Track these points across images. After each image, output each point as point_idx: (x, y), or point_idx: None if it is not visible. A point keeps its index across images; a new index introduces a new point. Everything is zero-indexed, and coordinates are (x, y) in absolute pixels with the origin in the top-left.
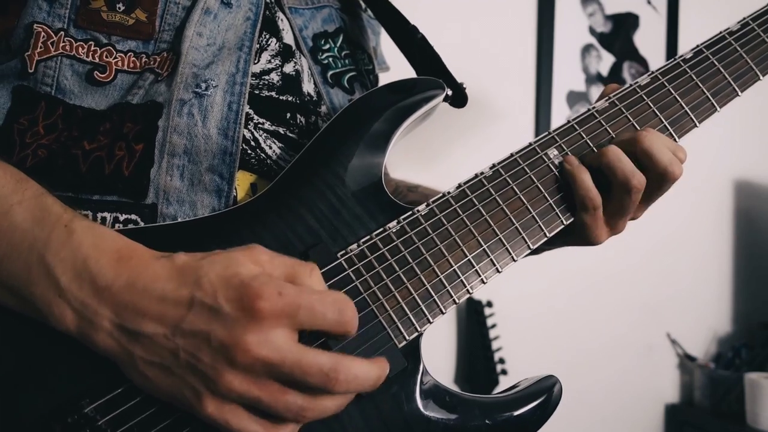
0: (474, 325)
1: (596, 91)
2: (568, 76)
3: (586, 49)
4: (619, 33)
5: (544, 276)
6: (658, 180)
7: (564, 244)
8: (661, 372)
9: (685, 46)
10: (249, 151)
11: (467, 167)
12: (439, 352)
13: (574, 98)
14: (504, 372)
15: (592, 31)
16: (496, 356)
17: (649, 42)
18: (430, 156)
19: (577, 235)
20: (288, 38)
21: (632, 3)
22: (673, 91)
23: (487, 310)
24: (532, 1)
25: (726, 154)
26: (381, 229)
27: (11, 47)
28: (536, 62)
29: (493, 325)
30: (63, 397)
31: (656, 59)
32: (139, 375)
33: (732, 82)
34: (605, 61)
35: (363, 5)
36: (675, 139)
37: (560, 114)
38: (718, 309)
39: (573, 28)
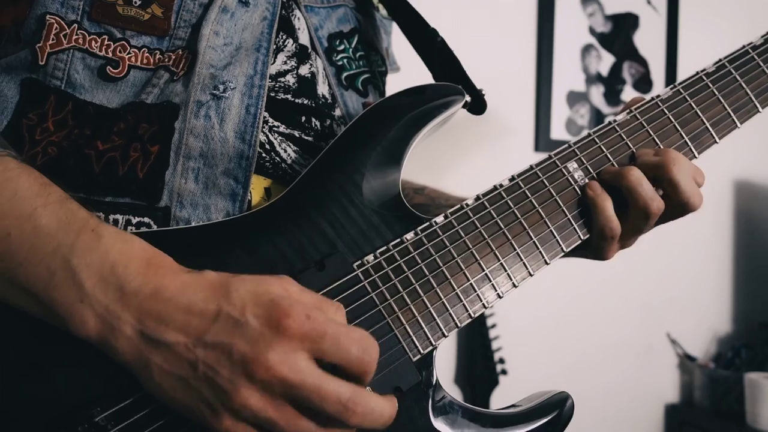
0: (474, 325)
1: (596, 91)
2: (568, 76)
3: (586, 49)
4: (619, 33)
5: (545, 276)
6: (678, 209)
7: (572, 255)
8: (661, 372)
9: (685, 46)
10: (264, 155)
11: (467, 167)
12: (439, 352)
13: (574, 98)
14: (504, 372)
15: (592, 31)
16: (496, 356)
17: (649, 42)
18: (429, 154)
19: (588, 250)
20: (303, 38)
21: (632, 3)
22: (694, 106)
23: (486, 311)
24: (532, 1)
25: (726, 154)
26: (398, 240)
27: (22, 38)
28: (536, 62)
29: (493, 325)
30: (74, 405)
31: (656, 59)
32: (155, 385)
33: (753, 98)
34: (605, 61)
35: (377, 5)
36: (695, 155)
37: (560, 114)
38: (718, 309)
39: (573, 28)
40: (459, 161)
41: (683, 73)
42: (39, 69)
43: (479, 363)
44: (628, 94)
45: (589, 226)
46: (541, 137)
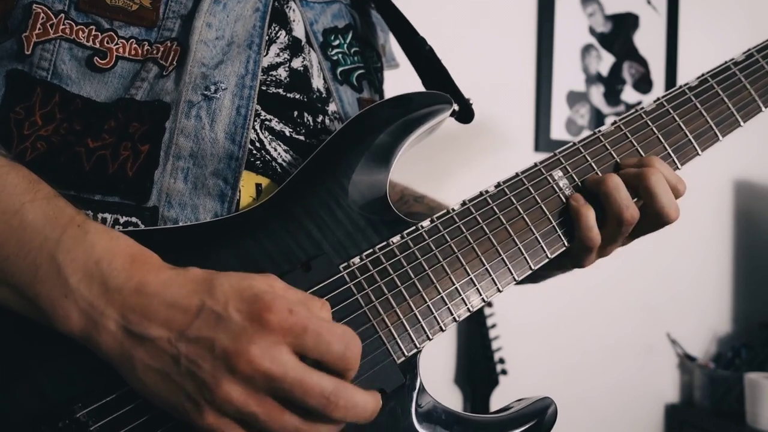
0: (474, 325)
1: (596, 91)
2: (568, 76)
3: (586, 49)
4: (619, 33)
5: None
6: (653, 219)
7: (555, 268)
8: (661, 372)
9: (684, 46)
10: (254, 152)
11: (467, 168)
12: (439, 352)
13: (574, 98)
14: (504, 372)
15: (592, 31)
16: (496, 356)
17: (649, 42)
18: (428, 155)
19: (569, 257)
20: (298, 31)
21: (632, 3)
22: (677, 119)
23: (486, 310)
24: (532, 1)
25: (726, 154)
26: (384, 243)
27: (8, 28)
28: (536, 62)
29: (493, 325)
30: (55, 401)
31: (656, 59)
32: (138, 381)
33: (735, 113)
34: (605, 61)
35: (373, 4)
36: (678, 167)
37: (560, 114)
38: (718, 309)
39: (573, 28)
40: (458, 161)
41: (683, 73)
42: (25, 59)
43: (479, 363)
44: (628, 94)
45: (572, 234)
46: (541, 137)
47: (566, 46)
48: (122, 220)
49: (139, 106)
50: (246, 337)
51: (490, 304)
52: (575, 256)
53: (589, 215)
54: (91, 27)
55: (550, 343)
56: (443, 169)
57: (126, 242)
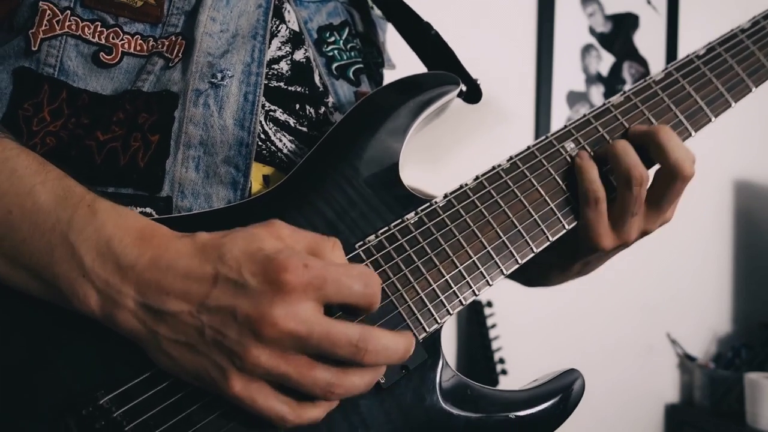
0: (474, 325)
1: (596, 91)
2: (568, 76)
3: (586, 49)
4: (619, 33)
5: None
6: (669, 177)
7: (572, 258)
8: (661, 372)
9: (685, 46)
10: (260, 143)
11: (467, 167)
12: None
13: (574, 98)
14: (504, 372)
15: (592, 31)
16: (496, 356)
17: (649, 42)
18: (429, 156)
19: (582, 239)
20: (294, 28)
21: (632, 3)
22: (687, 86)
23: (487, 310)
24: (532, 1)
25: (726, 154)
26: (399, 221)
27: (14, 26)
28: (536, 62)
29: (493, 325)
30: (77, 388)
31: (656, 59)
32: (164, 355)
33: (746, 78)
34: (605, 61)
35: (371, 5)
36: (691, 133)
37: (560, 114)
38: (718, 309)
39: (573, 28)
40: (458, 161)
41: None
42: (32, 55)
43: (479, 363)
44: None
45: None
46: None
47: (566, 46)
48: (137, 211)
49: (147, 97)
50: (267, 301)
51: (490, 304)
52: (586, 231)
53: (592, 170)
54: (97, 23)
55: (550, 343)
56: (443, 169)
57: (134, 218)
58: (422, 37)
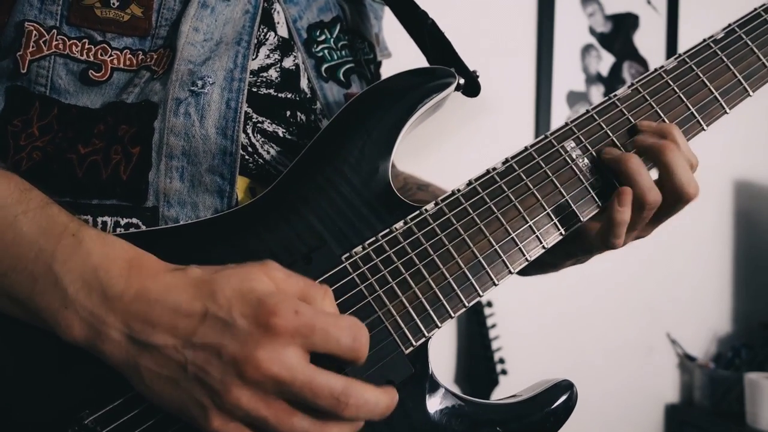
0: (474, 325)
1: (596, 91)
2: (568, 76)
3: (586, 49)
4: (619, 33)
5: (544, 276)
6: (671, 197)
7: (564, 257)
8: (661, 372)
9: (685, 46)
10: (246, 156)
11: (466, 167)
12: (439, 352)
13: (574, 98)
14: (504, 372)
15: (592, 31)
16: (496, 356)
17: (649, 42)
18: (427, 156)
19: (587, 240)
20: (282, 31)
21: (632, 3)
22: (701, 75)
23: (487, 310)
24: (532, 1)
25: (726, 155)
26: (387, 231)
27: (2, 46)
28: (536, 62)
29: (493, 325)
30: (63, 407)
31: (656, 59)
32: (145, 387)
33: (767, 63)
34: (605, 61)
35: None
36: (703, 128)
37: (560, 114)
38: (718, 309)
39: (573, 28)
40: (457, 161)
41: None
42: (22, 77)
43: (479, 363)
44: None
45: (590, 206)
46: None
47: (566, 46)
48: (123, 221)
49: (127, 109)
50: (253, 343)
51: (490, 304)
52: (603, 235)
53: (643, 171)
54: (84, 40)
55: (550, 343)
56: (441, 169)
57: (122, 247)
58: (419, 25)
